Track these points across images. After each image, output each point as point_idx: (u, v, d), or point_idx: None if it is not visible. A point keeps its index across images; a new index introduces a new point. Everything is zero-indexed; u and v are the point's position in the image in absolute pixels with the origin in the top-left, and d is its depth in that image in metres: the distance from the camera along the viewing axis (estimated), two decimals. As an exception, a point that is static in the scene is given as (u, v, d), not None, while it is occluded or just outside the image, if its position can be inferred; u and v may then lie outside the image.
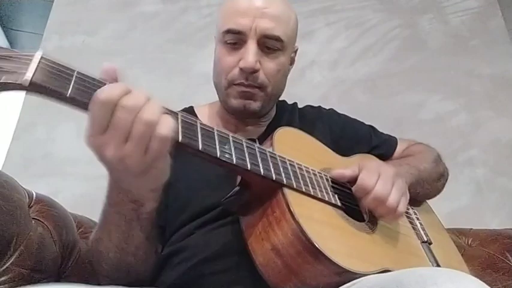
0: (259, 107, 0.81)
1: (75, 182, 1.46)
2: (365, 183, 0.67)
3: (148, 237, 0.61)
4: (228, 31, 0.79)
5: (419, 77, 1.76)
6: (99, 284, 0.66)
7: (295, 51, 0.91)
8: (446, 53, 1.81)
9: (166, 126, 0.46)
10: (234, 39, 0.79)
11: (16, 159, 1.49)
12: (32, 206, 0.80)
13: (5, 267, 0.67)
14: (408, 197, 0.71)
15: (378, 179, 0.67)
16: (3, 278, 0.66)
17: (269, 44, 0.79)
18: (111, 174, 0.52)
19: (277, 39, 0.79)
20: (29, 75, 0.43)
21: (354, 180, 0.70)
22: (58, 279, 0.78)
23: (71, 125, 1.50)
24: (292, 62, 0.91)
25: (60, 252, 0.80)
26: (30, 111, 1.56)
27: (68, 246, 0.83)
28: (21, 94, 0.45)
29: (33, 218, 0.77)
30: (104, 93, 0.44)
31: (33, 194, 0.83)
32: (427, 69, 1.78)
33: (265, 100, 0.82)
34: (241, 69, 0.78)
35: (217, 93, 0.86)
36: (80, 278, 0.82)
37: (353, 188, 0.70)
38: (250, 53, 0.76)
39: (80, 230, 0.93)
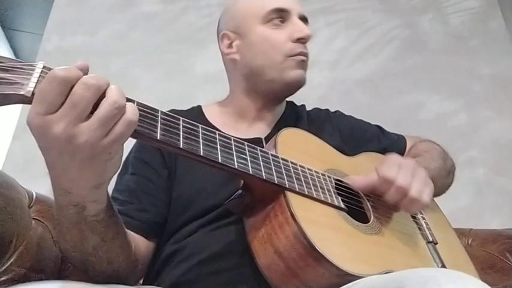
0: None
1: (75, 182, 1.46)
2: (386, 175, 0.67)
3: (104, 238, 0.56)
4: (275, 10, 0.85)
5: (419, 77, 1.76)
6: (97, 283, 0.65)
7: None
8: (446, 53, 1.81)
9: (134, 112, 0.45)
10: (281, 16, 0.86)
11: (16, 159, 1.49)
12: (32, 206, 0.80)
13: (5, 267, 0.67)
14: (432, 186, 0.72)
15: (398, 170, 0.68)
16: (3, 278, 0.66)
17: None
18: (52, 169, 0.47)
19: (307, 19, 0.89)
20: (31, 85, 0.42)
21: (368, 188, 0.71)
22: (58, 279, 0.78)
23: (70, 125, 1.49)
24: None
25: (60, 252, 0.80)
26: (30, 111, 1.56)
27: (68, 246, 0.83)
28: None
29: (33, 218, 0.77)
30: (63, 70, 0.42)
31: (33, 194, 0.83)
32: (427, 69, 1.77)
33: None
34: (300, 39, 0.84)
35: (261, 77, 0.85)
36: (79, 278, 0.81)
37: (376, 182, 0.69)
38: (303, 25, 0.85)
39: (80, 230, 0.93)
